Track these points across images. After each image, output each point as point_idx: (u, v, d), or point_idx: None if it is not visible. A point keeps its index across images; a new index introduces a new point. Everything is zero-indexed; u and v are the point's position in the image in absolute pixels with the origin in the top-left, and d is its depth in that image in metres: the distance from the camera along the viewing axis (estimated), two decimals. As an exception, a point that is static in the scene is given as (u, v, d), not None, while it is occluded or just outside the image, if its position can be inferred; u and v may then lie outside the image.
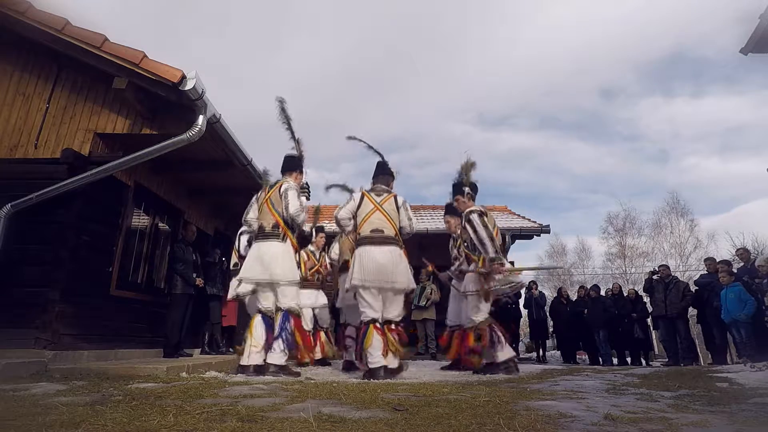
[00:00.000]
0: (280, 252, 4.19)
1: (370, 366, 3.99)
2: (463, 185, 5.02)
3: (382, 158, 4.76)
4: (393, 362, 4.08)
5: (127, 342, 5.50)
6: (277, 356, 4.01)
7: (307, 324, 6.06)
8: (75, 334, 4.55)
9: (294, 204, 4.24)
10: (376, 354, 3.99)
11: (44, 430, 1.67)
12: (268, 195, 4.40)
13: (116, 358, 5.05)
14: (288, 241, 4.27)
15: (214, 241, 7.90)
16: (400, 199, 4.47)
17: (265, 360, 4.03)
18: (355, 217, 4.43)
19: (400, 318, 4.33)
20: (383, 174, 4.66)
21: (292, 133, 4.64)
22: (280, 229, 4.24)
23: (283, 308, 4.17)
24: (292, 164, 4.60)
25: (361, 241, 4.29)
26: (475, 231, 4.62)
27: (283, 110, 4.57)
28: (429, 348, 8.89)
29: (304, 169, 4.67)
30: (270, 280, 4.18)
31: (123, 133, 4.97)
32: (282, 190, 4.32)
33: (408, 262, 4.34)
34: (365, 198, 4.44)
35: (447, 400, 2.43)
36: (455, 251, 5.52)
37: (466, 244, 4.91)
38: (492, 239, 4.56)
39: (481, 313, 4.63)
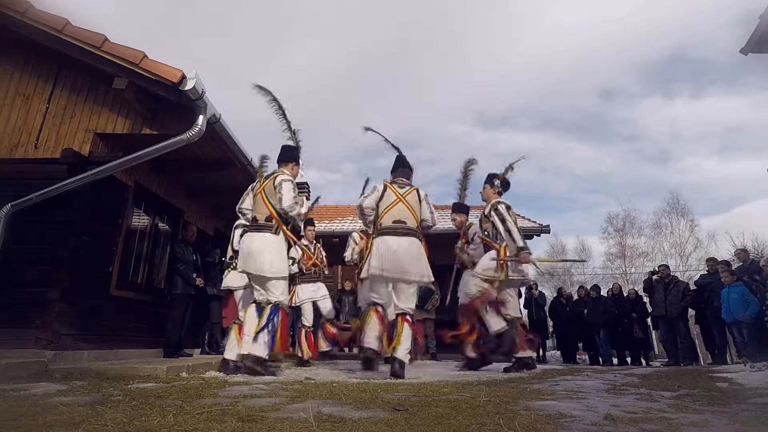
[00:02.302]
0: (271, 244, 4.14)
1: (364, 344, 4.10)
2: (497, 177, 5.28)
3: (400, 152, 4.82)
4: (405, 357, 4.07)
5: (127, 342, 5.49)
6: (260, 348, 3.97)
7: (308, 320, 6.06)
8: (75, 334, 4.55)
9: (288, 197, 4.17)
10: (371, 335, 4.09)
11: (44, 430, 1.67)
12: (263, 186, 4.34)
13: (116, 358, 5.05)
14: (281, 234, 4.22)
15: (214, 241, 7.90)
16: (422, 192, 4.50)
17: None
18: (377, 207, 4.44)
19: (413, 311, 4.32)
20: (403, 167, 4.70)
21: (288, 123, 4.64)
22: (274, 222, 4.19)
23: (272, 301, 4.13)
24: (289, 155, 4.56)
25: (381, 232, 4.29)
26: (503, 221, 4.86)
27: (275, 100, 4.60)
28: (429, 348, 8.88)
29: (300, 161, 4.63)
30: (258, 273, 4.13)
31: (123, 133, 4.97)
32: (277, 182, 4.25)
33: (427, 255, 4.37)
34: (388, 189, 4.44)
35: (447, 400, 2.43)
36: (461, 247, 5.63)
37: (486, 232, 5.06)
38: (519, 231, 4.81)
39: (513, 309, 4.86)
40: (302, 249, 6.23)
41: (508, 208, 4.96)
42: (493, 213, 4.94)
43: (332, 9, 58.45)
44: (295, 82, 53.12)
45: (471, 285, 4.95)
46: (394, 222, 4.27)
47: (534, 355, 5.04)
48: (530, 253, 4.81)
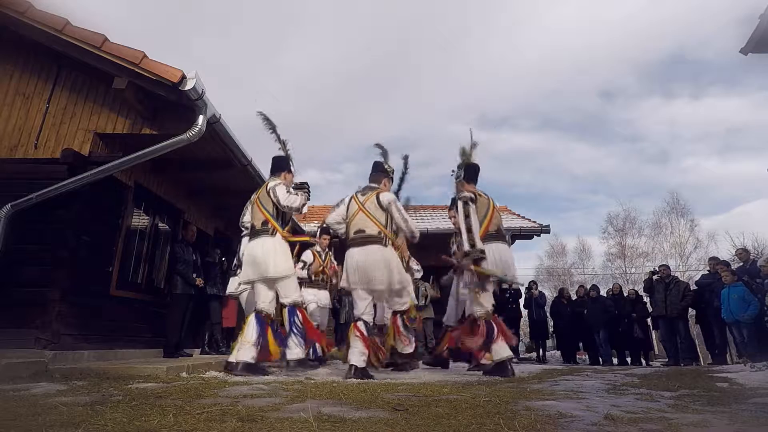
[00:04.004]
0: (271, 247, 4.25)
1: (350, 362, 4.01)
2: (458, 167, 4.96)
3: (383, 152, 4.82)
4: (407, 348, 4.22)
5: (128, 342, 5.49)
6: (296, 352, 4.12)
7: (315, 320, 6.05)
8: (75, 334, 4.55)
9: (282, 196, 4.32)
10: (355, 352, 4.03)
11: (44, 430, 1.67)
12: (258, 195, 4.54)
13: (116, 358, 5.05)
14: (278, 235, 4.33)
15: (214, 241, 7.90)
16: (384, 197, 4.37)
17: (285, 357, 4.18)
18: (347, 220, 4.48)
19: (406, 306, 4.45)
20: (375, 172, 4.70)
21: (278, 136, 4.84)
22: (269, 225, 4.33)
23: (287, 303, 4.24)
24: (280, 164, 4.75)
25: (348, 244, 4.37)
26: (466, 216, 4.44)
27: (267, 119, 4.79)
28: (429, 348, 8.88)
29: (292, 168, 4.80)
30: (264, 278, 4.24)
31: (123, 133, 4.96)
32: (269, 187, 4.44)
33: (397, 259, 4.27)
34: (352, 200, 4.51)
35: (447, 400, 2.43)
36: (454, 246, 5.43)
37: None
38: (469, 231, 4.35)
39: (480, 306, 4.48)
40: (314, 254, 6.23)
41: (467, 202, 4.50)
42: (457, 209, 4.56)
43: (332, 9, 58.45)
44: (296, 82, 53.14)
45: (477, 304, 4.43)
46: (355, 233, 4.31)
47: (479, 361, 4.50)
48: (475, 262, 4.28)
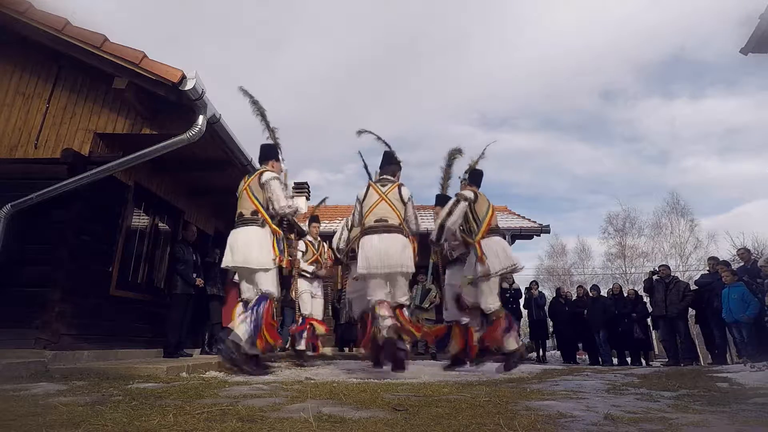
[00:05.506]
0: (256, 237, 4.18)
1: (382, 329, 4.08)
2: (466, 171, 5.26)
3: (390, 148, 4.85)
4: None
5: (127, 342, 5.49)
6: (237, 336, 3.95)
7: (307, 309, 6.01)
8: (75, 334, 4.55)
9: (281, 198, 4.25)
10: (388, 320, 4.08)
11: (44, 430, 1.67)
12: (247, 183, 4.44)
13: (116, 358, 5.05)
14: (267, 227, 4.27)
15: (214, 241, 7.89)
16: (405, 192, 4.52)
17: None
18: (361, 206, 4.54)
19: (408, 301, 4.48)
20: (389, 164, 4.77)
21: (267, 123, 4.78)
22: (259, 215, 4.26)
23: (262, 291, 4.12)
24: (269, 153, 4.69)
25: (365, 231, 4.39)
26: (448, 213, 4.74)
27: (254, 102, 4.72)
28: (429, 348, 8.88)
29: (281, 157, 4.75)
30: (244, 266, 4.17)
31: (123, 133, 4.97)
32: (264, 179, 4.33)
33: (413, 250, 4.40)
34: (371, 189, 4.55)
35: (447, 400, 2.43)
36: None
37: (461, 228, 4.91)
38: (441, 228, 4.72)
39: (495, 299, 4.66)
40: (306, 244, 6.23)
41: (458, 201, 4.75)
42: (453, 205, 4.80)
43: (333, 10, 58.46)
44: (297, 83, 53.13)
45: (490, 297, 4.63)
46: (376, 221, 4.36)
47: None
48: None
